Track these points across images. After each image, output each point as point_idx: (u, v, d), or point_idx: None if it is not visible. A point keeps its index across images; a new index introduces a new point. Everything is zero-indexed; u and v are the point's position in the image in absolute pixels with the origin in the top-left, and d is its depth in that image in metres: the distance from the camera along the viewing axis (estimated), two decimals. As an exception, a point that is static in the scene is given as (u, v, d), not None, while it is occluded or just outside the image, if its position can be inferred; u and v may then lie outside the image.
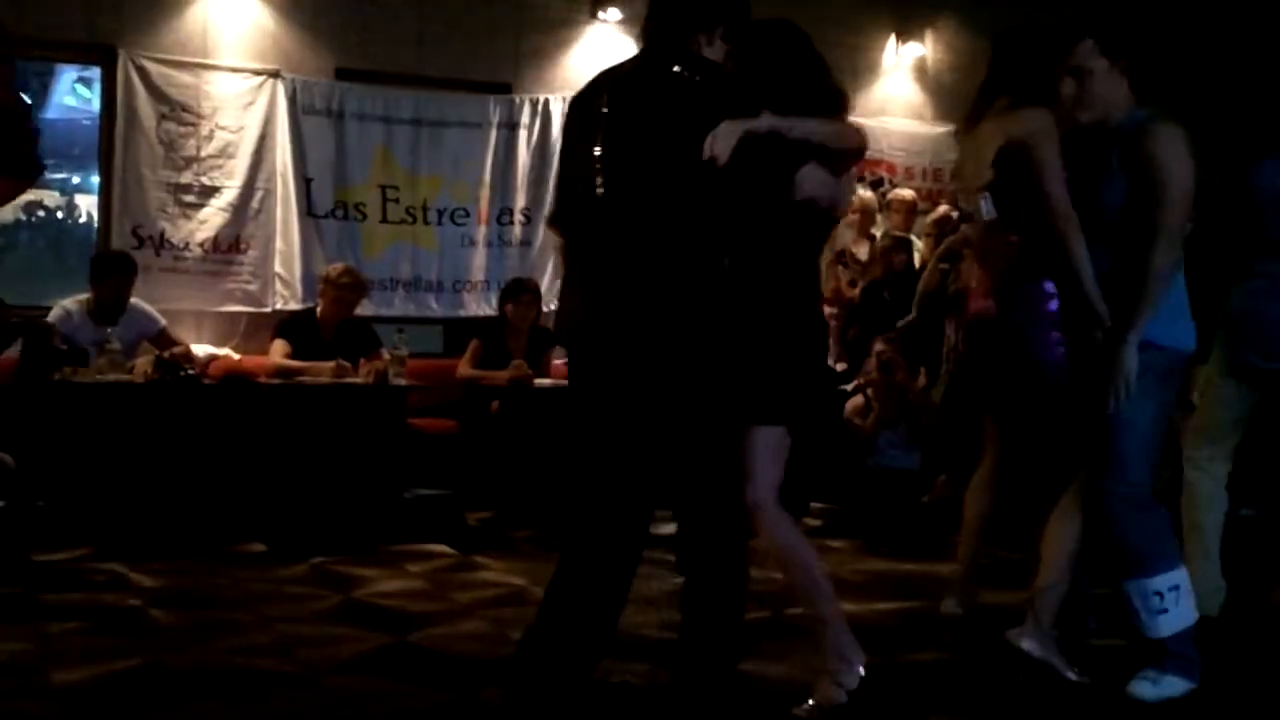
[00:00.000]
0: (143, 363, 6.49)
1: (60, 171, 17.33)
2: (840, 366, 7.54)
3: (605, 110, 3.34)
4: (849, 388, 7.35)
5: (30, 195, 17.29)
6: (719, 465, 3.43)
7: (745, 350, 3.40)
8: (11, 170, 3.95)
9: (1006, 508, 4.75)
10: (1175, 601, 3.73)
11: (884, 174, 9.42)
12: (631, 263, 3.26)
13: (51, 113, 17.28)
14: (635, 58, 3.54)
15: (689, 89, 3.27)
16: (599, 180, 3.29)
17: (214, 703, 3.63)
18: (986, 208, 4.37)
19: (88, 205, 16.19)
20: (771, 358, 3.47)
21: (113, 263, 7.01)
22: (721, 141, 3.15)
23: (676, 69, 3.30)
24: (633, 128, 3.31)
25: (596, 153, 3.30)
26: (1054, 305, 4.09)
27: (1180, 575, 3.76)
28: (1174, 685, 3.71)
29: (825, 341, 3.93)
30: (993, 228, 4.37)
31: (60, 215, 16.62)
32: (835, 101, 3.68)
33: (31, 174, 4.23)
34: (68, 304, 6.78)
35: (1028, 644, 3.90)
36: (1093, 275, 3.72)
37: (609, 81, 3.42)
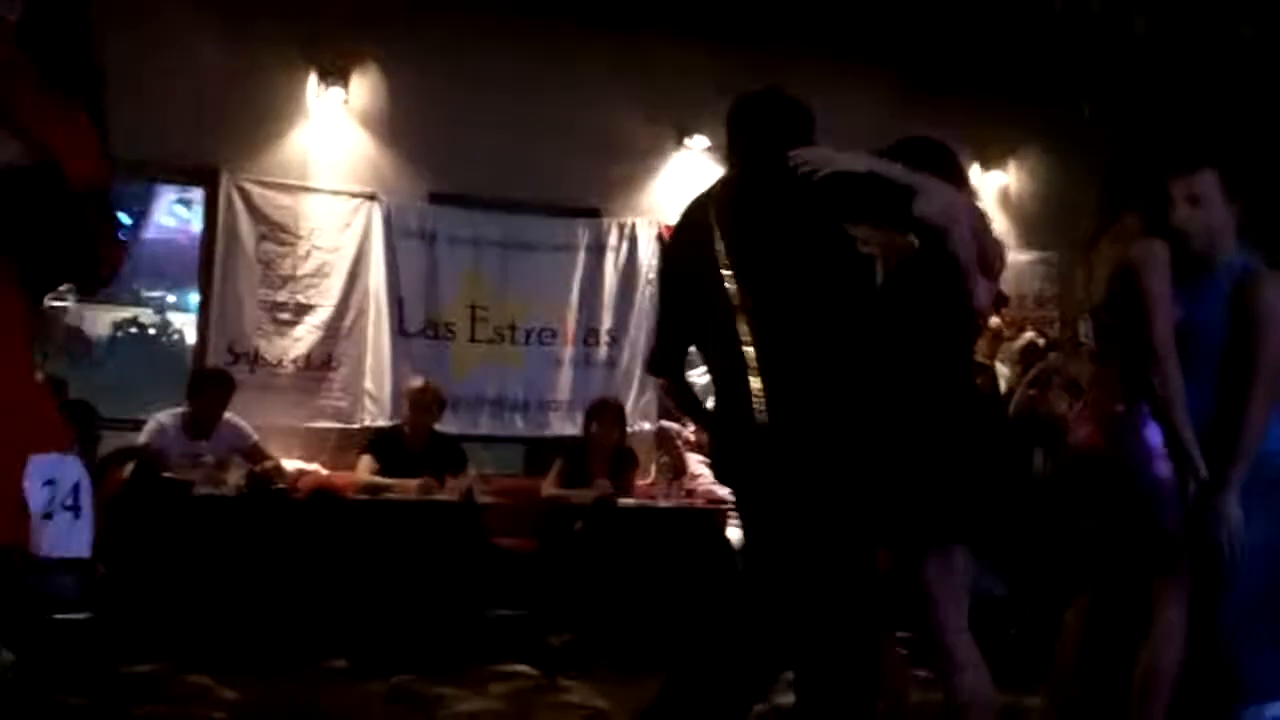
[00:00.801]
0: (235, 476, 6.61)
1: (157, 289, 17.81)
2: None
3: (719, 227, 3.31)
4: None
5: (127, 312, 17.75)
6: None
7: (920, 464, 3.31)
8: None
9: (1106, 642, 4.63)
10: None
11: (968, 300, 9.40)
12: (799, 388, 3.17)
13: (151, 232, 17.82)
14: (733, 173, 3.54)
15: (803, 178, 3.21)
16: (735, 298, 3.23)
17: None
18: (1085, 330, 4.31)
19: (182, 322, 16.58)
20: (947, 469, 3.34)
21: (212, 380, 7.18)
22: (814, 159, 3.18)
23: (788, 164, 3.24)
24: (757, 230, 3.28)
25: (723, 272, 3.26)
26: (1156, 436, 4.01)
27: None
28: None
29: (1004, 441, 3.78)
30: (1098, 356, 4.32)
31: (154, 332, 17.04)
32: None
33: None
34: (162, 418, 6.94)
35: None
36: (1187, 418, 3.66)
37: (713, 203, 3.40)
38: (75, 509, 2.85)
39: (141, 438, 6.78)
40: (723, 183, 3.54)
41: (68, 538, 2.82)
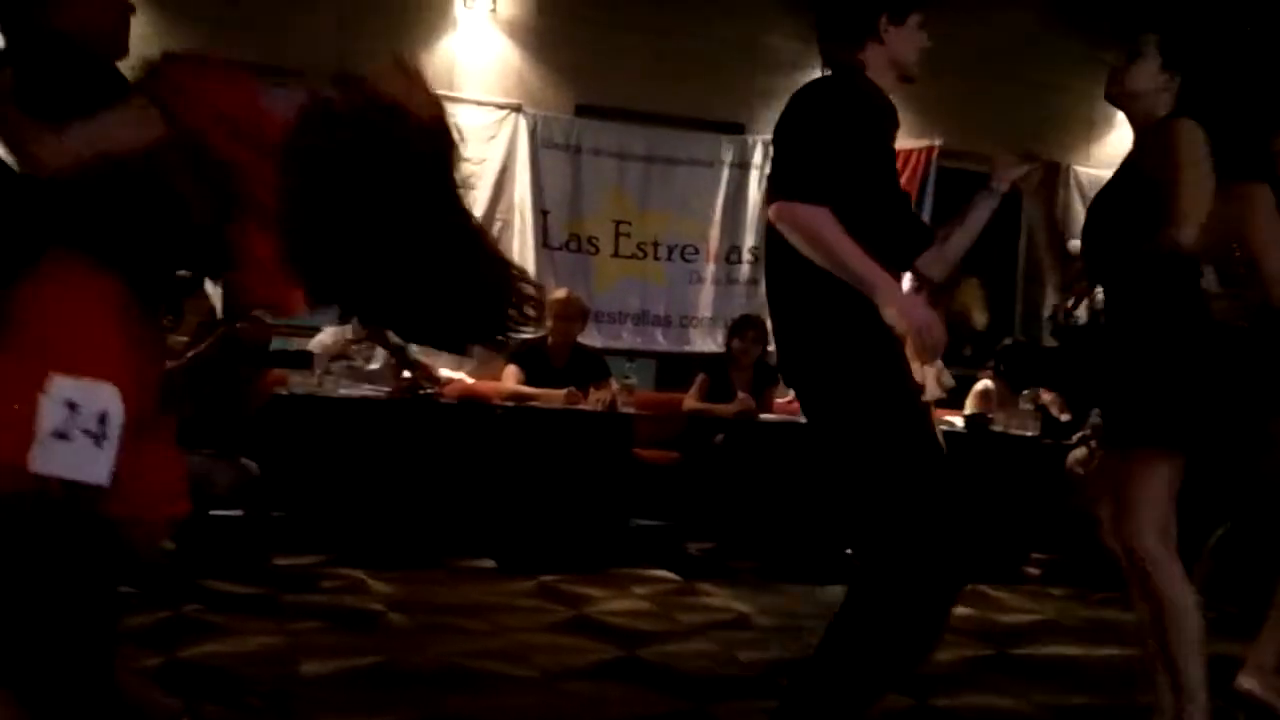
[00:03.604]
0: (388, 379, 6.73)
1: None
2: (1065, 417, 7.38)
3: None
4: (1074, 439, 7.19)
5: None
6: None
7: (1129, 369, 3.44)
8: None
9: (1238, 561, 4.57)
10: None
11: None
12: None
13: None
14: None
15: None
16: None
17: (456, 698, 3.74)
18: (1209, 280, 4.33)
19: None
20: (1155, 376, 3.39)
21: None
22: None
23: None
24: None
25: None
26: None
27: None
28: None
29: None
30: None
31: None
32: None
33: None
34: (323, 337, 7.05)
35: (1249, 683, 3.87)
36: None
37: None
38: (97, 437, 2.85)
39: (311, 345, 6.89)
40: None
41: (80, 461, 2.82)
